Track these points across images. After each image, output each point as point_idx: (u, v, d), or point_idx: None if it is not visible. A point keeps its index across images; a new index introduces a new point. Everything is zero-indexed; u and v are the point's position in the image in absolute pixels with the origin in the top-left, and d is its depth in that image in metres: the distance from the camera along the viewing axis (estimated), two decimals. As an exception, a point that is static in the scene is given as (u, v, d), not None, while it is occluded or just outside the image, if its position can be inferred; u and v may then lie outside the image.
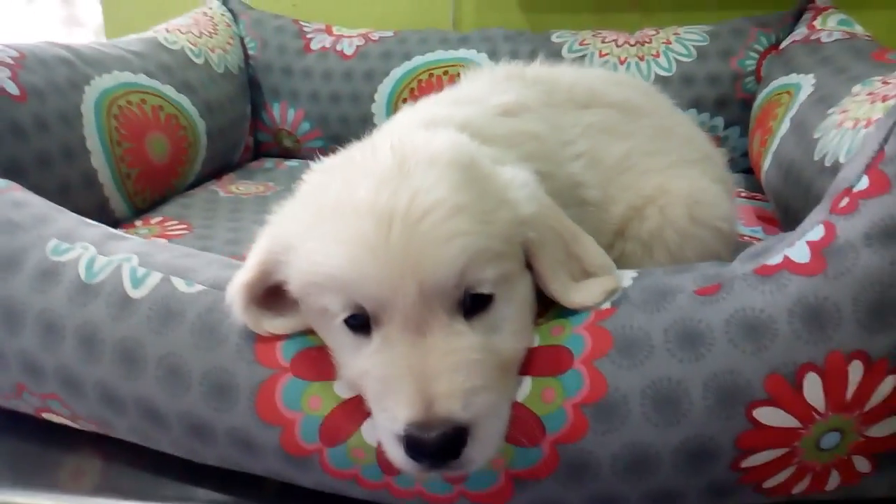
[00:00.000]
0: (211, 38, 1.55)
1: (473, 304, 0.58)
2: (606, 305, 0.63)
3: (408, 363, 0.55)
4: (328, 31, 1.69)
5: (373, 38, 1.64)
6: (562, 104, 0.83)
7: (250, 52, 1.67)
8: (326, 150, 1.76)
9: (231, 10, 1.70)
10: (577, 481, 0.59)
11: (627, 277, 0.66)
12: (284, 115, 1.67)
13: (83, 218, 0.80)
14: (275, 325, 0.65)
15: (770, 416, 0.57)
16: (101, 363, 0.68)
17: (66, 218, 0.79)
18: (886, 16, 1.59)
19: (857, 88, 0.95)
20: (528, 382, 0.60)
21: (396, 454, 0.55)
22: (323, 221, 0.58)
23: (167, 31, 1.48)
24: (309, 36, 1.67)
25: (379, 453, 0.60)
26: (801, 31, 1.36)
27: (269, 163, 1.67)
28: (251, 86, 1.67)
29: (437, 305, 0.56)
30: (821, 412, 0.57)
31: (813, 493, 0.62)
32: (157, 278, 0.69)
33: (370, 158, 0.61)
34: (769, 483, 0.60)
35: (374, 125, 1.59)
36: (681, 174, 0.84)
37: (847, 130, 0.82)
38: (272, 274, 0.63)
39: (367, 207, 0.56)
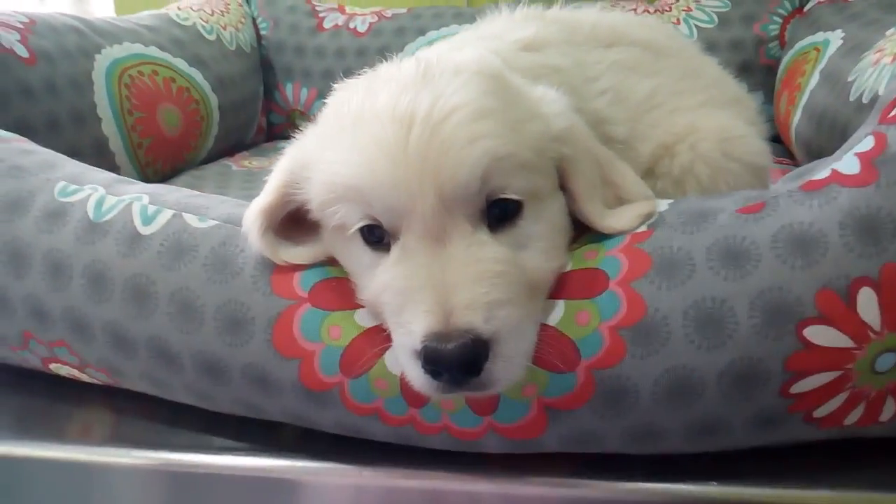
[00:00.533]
0: (223, 16, 1.54)
1: (499, 215, 0.55)
2: (643, 228, 0.59)
3: (427, 273, 0.52)
4: (341, 10, 1.67)
5: (386, 15, 1.62)
6: (584, 42, 0.80)
7: (262, 32, 1.65)
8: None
9: (243, -9, 1.68)
10: (614, 410, 0.56)
11: (663, 204, 0.62)
12: (297, 94, 1.65)
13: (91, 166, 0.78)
14: (293, 253, 0.62)
15: (822, 335, 0.53)
16: (111, 302, 0.65)
17: (74, 164, 0.76)
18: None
19: (891, 31, 0.92)
20: (560, 306, 0.56)
21: (414, 373, 0.52)
22: (343, 131, 0.56)
23: (179, 8, 1.47)
24: (322, 14, 1.65)
25: (403, 383, 0.57)
26: (828, -10, 1.32)
27: (282, 143, 1.64)
28: (263, 66, 1.65)
29: (458, 213, 0.53)
30: (876, 330, 0.53)
31: (866, 426, 0.58)
32: (168, 215, 0.67)
33: (394, 69, 0.58)
34: (820, 412, 0.56)
35: (388, 103, 1.59)
36: (711, 114, 0.80)
37: (885, 66, 0.79)
38: (292, 196, 0.60)
39: (387, 112, 0.53)
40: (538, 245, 0.57)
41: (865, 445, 0.60)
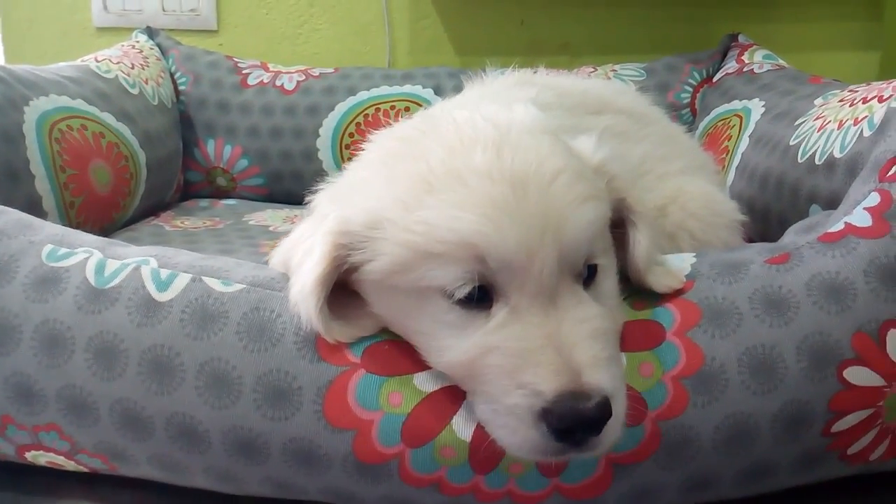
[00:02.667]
0: (143, 69, 1.46)
1: (587, 276, 0.56)
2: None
3: (545, 333, 0.52)
4: (264, 66, 1.63)
5: (313, 74, 1.60)
6: (574, 108, 0.83)
7: (181, 87, 1.58)
8: (266, 188, 1.68)
9: (158, 45, 1.61)
10: (676, 461, 0.57)
11: (689, 257, 0.65)
12: (220, 151, 1.58)
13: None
14: (348, 331, 0.58)
15: (858, 375, 0.57)
16: (124, 377, 0.58)
17: (51, 225, 0.69)
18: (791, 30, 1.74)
19: (819, 101, 1.03)
20: (622, 359, 0.57)
21: (529, 435, 0.50)
22: (433, 190, 0.54)
23: (97, 60, 1.38)
24: (245, 71, 1.61)
25: (473, 449, 0.55)
26: (731, 65, 1.47)
27: (203, 202, 1.56)
28: (182, 122, 1.57)
29: (567, 272, 0.54)
30: (903, 369, 0.58)
31: (887, 460, 0.62)
32: (185, 279, 0.61)
33: (461, 126, 0.57)
34: (853, 449, 0.60)
35: (318, 160, 1.56)
36: (692, 180, 0.86)
37: (833, 131, 0.88)
38: (344, 262, 0.57)
39: (493, 171, 0.53)
40: (612, 301, 0.58)
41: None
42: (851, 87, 0.99)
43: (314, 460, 0.57)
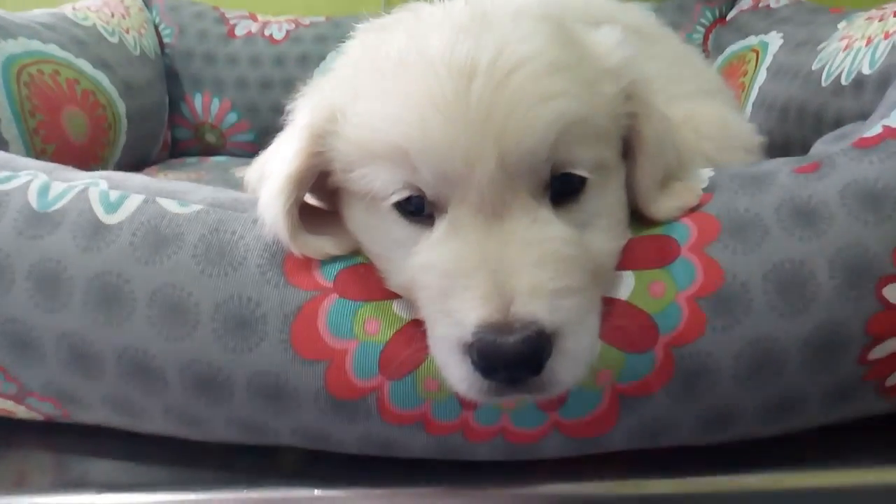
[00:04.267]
0: (124, 19, 1.39)
1: (561, 190, 0.48)
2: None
3: (482, 253, 0.44)
4: (252, 17, 1.56)
5: (304, 23, 1.53)
6: (578, 20, 0.75)
7: (165, 41, 1.51)
8: (256, 144, 1.62)
9: (142, -4, 1.54)
10: (691, 393, 0.50)
11: (707, 171, 0.58)
12: (207, 106, 1.51)
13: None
14: (319, 244, 0.52)
15: (900, 294, 0.50)
16: (69, 308, 0.52)
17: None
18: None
19: (842, 24, 0.95)
20: (630, 278, 0.50)
21: (460, 371, 0.44)
22: (383, 78, 0.48)
23: (74, 8, 1.30)
24: (232, 22, 1.53)
25: (460, 380, 0.48)
26: (746, 2, 1.38)
27: (191, 159, 1.50)
28: (168, 76, 1.50)
29: (520, 184, 0.46)
30: (950, 286, 0.50)
31: (930, 393, 0.55)
32: (137, 200, 0.55)
33: (440, 12, 0.50)
34: (891, 380, 0.53)
35: (311, 114, 1.49)
36: (705, 102, 0.78)
37: (861, 48, 0.80)
38: (321, 157, 0.51)
39: (441, 59, 0.46)
40: (602, 223, 0.50)
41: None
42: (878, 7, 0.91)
43: (283, 396, 0.50)
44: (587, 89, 0.48)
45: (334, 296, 0.50)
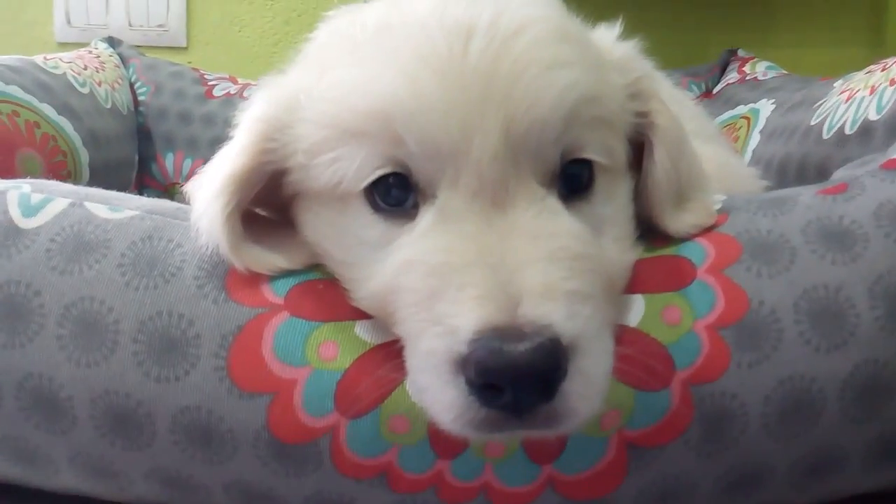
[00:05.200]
0: (97, 72, 1.34)
1: (570, 187, 0.41)
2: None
3: (479, 247, 0.36)
4: (232, 80, 1.52)
5: (285, 87, 1.49)
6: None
7: (140, 98, 1.46)
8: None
9: (119, 54, 1.50)
10: (714, 443, 0.41)
11: (718, 196, 0.51)
12: (179, 166, 1.45)
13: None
14: (266, 259, 0.43)
15: (952, 329, 0.43)
16: (-38, 326, 0.43)
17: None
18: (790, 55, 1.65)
19: (839, 83, 0.92)
20: (639, 302, 0.43)
21: (448, 396, 0.35)
22: (358, 47, 0.41)
23: (45, 59, 1.25)
24: (211, 83, 1.50)
25: (433, 423, 0.39)
26: (732, 77, 1.37)
27: (159, 220, 1.42)
28: (140, 135, 1.45)
29: (527, 167, 0.39)
30: None
31: None
32: (62, 204, 0.47)
33: None
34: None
35: (287, 176, 1.43)
36: (703, 146, 0.73)
37: (864, 97, 0.77)
38: (272, 156, 0.43)
39: (432, 19, 0.39)
40: (612, 231, 0.43)
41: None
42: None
43: (215, 439, 0.41)
44: (596, 68, 0.42)
45: (284, 314, 0.42)
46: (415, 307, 0.37)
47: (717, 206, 0.48)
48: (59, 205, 0.46)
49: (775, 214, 0.46)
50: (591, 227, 0.41)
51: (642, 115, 0.46)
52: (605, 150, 0.42)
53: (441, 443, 0.40)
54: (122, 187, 1.33)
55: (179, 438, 0.41)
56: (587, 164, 0.41)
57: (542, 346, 0.33)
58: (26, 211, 0.46)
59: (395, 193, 0.40)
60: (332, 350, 0.41)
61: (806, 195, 0.48)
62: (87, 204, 0.47)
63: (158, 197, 1.51)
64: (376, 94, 0.38)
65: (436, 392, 0.36)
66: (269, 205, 0.48)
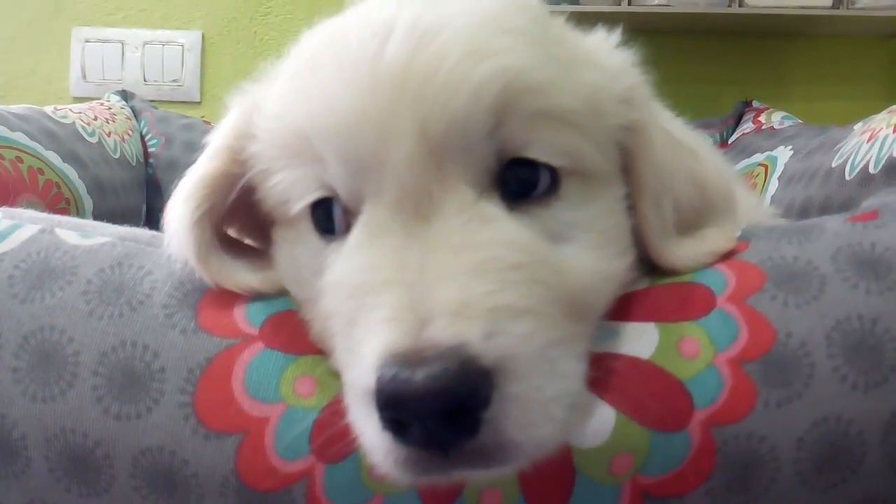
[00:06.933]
0: (108, 123, 1.35)
1: (520, 188, 0.37)
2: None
3: (400, 261, 0.33)
4: (244, 132, 1.53)
5: (295, 139, 1.49)
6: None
7: (151, 150, 1.46)
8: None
9: (132, 107, 1.51)
10: (741, 494, 0.36)
11: (737, 227, 0.47)
12: (187, 217, 1.44)
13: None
14: (241, 275, 0.40)
15: None
16: (-88, 358, 0.39)
17: None
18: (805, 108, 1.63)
19: (858, 125, 0.89)
20: (652, 331, 0.38)
21: (371, 433, 0.31)
22: (297, 62, 0.39)
23: (55, 108, 1.26)
24: (222, 135, 1.50)
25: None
26: (747, 126, 1.35)
27: (164, 272, 1.40)
28: (149, 186, 1.44)
29: (452, 169, 0.35)
30: None
31: None
32: (31, 230, 0.44)
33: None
34: None
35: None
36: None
37: (888, 135, 0.73)
38: (243, 165, 0.41)
39: (355, 25, 0.37)
40: (585, 237, 0.38)
41: None
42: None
43: (178, 485, 0.37)
44: (546, 59, 0.38)
45: (258, 345, 0.38)
46: (339, 334, 0.34)
47: (737, 234, 0.44)
48: (27, 231, 0.44)
49: (801, 241, 0.42)
50: (554, 233, 0.37)
51: (630, 129, 0.41)
52: (566, 152, 0.37)
53: (430, 491, 0.35)
54: (127, 237, 1.32)
55: (140, 484, 0.37)
56: (537, 167, 0.37)
57: (445, 371, 0.29)
58: (-7, 236, 0.43)
59: (330, 215, 0.37)
60: (308, 386, 0.37)
61: (833, 222, 0.44)
62: (58, 230, 0.44)
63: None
64: (296, 112, 0.37)
65: (362, 430, 0.32)
66: (251, 231, 0.45)
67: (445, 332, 0.30)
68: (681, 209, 0.43)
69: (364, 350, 0.31)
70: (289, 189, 0.38)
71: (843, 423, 0.37)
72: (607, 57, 0.42)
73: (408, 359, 0.29)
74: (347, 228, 0.36)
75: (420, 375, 0.29)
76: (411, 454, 0.30)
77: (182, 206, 0.40)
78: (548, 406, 0.31)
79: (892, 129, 0.74)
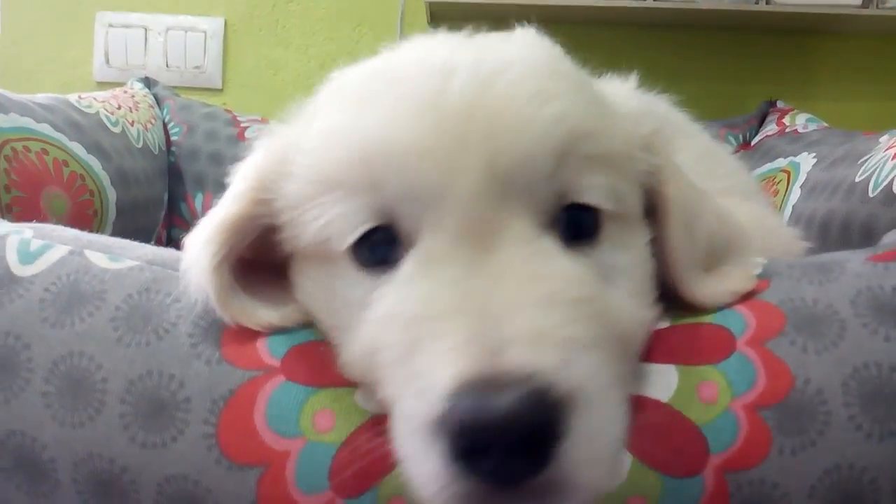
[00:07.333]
0: (131, 112, 1.36)
1: (573, 233, 0.38)
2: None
3: (462, 293, 0.33)
4: (264, 121, 1.53)
5: (316, 130, 1.50)
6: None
7: (173, 138, 1.48)
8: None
9: (155, 95, 1.52)
10: (753, 541, 0.37)
11: (756, 263, 0.47)
12: (208, 206, 1.44)
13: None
14: (255, 313, 0.41)
15: None
16: (-53, 378, 0.41)
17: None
18: (832, 108, 1.61)
19: (884, 138, 0.88)
20: (671, 374, 0.39)
21: (426, 466, 0.30)
22: (344, 96, 0.40)
23: (80, 97, 1.27)
24: (244, 125, 1.51)
25: (437, 499, 0.35)
26: (771, 128, 1.33)
27: (185, 260, 1.42)
28: (171, 174, 1.46)
29: (517, 206, 0.35)
30: None
31: None
32: (62, 251, 0.45)
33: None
34: None
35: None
36: (741, 203, 0.69)
37: (913, 152, 0.72)
38: (268, 207, 0.41)
39: (414, 63, 0.38)
40: (624, 283, 0.39)
41: None
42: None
43: (200, 513, 0.38)
44: (592, 105, 0.39)
45: (280, 378, 0.39)
46: (394, 365, 0.33)
47: (757, 271, 0.44)
48: (57, 252, 0.45)
49: (821, 282, 0.42)
50: (599, 276, 0.38)
51: (653, 173, 0.42)
52: (612, 195, 0.38)
53: (446, 527, 0.36)
54: (149, 226, 1.34)
55: (164, 509, 0.38)
56: (590, 211, 0.38)
57: (528, 395, 0.29)
58: (24, 258, 0.44)
59: (381, 249, 0.37)
60: (328, 420, 0.37)
61: (854, 262, 0.44)
62: (87, 252, 0.45)
63: (185, 235, 1.50)
64: (354, 140, 0.37)
65: (416, 462, 0.32)
66: (268, 261, 0.46)
67: (521, 359, 0.30)
68: (709, 246, 0.44)
69: (431, 379, 0.31)
70: (332, 220, 0.38)
71: (856, 471, 0.37)
72: (628, 103, 0.43)
73: (485, 386, 0.29)
74: (396, 260, 0.37)
75: (501, 402, 0.28)
76: (473, 488, 0.30)
77: (202, 249, 0.40)
78: (608, 446, 0.32)
79: (919, 147, 0.74)
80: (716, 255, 0.44)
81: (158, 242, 1.41)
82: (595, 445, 0.31)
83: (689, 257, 0.42)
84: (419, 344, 0.32)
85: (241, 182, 0.42)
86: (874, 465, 0.37)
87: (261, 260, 0.44)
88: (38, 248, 0.45)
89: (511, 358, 0.30)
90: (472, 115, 0.35)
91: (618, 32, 1.59)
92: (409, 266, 0.36)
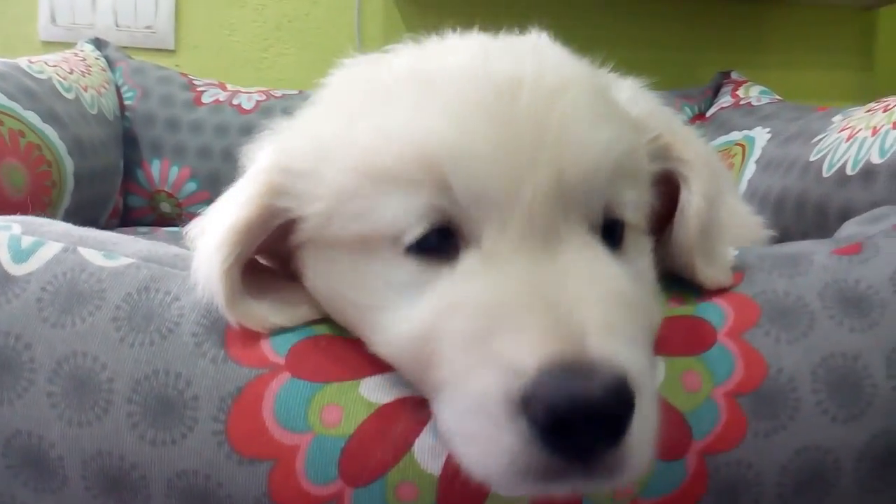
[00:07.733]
0: (84, 76, 1.31)
1: (607, 239, 0.41)
2: (725, 274, 0.47)
3: (532, 285, 0.35)
4: (221, 86, 1.50)
5: (275, 95, 1.47)
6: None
7: (127, 103, 1.43)
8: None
9: (106, 57, 1.47)
10: (728, 516, 0.40)
11: (728, 252, 0.50)
12: (165, 173, 1.42)
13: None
14: (261, 314, 0.42)
15: (970, 400, 0.42)
16: (-54, 379, 0.41)
17: None
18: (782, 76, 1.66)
19: (838, 118, 0.92)
20: (659, 364, 0.41)
21: (506, 444, 0.32)
22: (392, 94, 0.40)
23: (30, 62, 1.22)
24: (200, 89, 1.47)
25: (443, 489, 0.38)
26: (726, 100, 1.37)
27: (143, 228, 1.39)
28: (126, 140, 1.42)
29: (576, 216, 0.38)
30: None
31: None
32: (54, 248, 0.45)
33: (443, 41, 0.45)
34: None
35: (275, 187, 1.41)
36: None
37: (867, 138, 0.76)
38: (281, 207, 0.42)
39: (479, 70, 0.39)
40: (645, 286, 0.43)
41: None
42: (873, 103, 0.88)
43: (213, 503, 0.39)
44: (628, 125, 0.43)
45: (285, 375, 0.40)
46: (461, 350, 0.35)
47: (731, 262, 0.47)
48: (50, 249, 0.44)
49: (791, 275, 0.45)
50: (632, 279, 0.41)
51: (666, 174, 0.46)
52: (637, 209, 0.42)
53: (451, 510, 0.38)
54: (107, 195, 1.31)
55: (176, 503, 0.39)
56: (619, 223, 0.41)
57: (616, 381, 0.32)
58: (17, 256, 0.44)
59: (430, 238, 0.39)
60: (335, 414, 0.39)
61: (820, 255, 0.47)
62: (81, 249, 0.45)
63: (142, 203, 1.46)
64: (423, 137, 0.38)
65: (486, 439, 0.33)
66: (270, 255, 0.47)
67: (604, 348, 0.33)
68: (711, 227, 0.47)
69: (517, 360, 0.32)
70: (381, 215, 0.39)
71: (821, 452, 0.41)
72: (631, 111, 0.45)
73: (578, 368, 0.32)
74: (452, 249, 0.38)
75: (594, 384, 0.31)
76: (552, 462, 0.32)
77: (213, 254, 0.41)
78: (653, 431, 0.35)
79: (870, 131, 0.78)
80: (713, 240, 0.47)
81: (115, 211, 1.38)
82: (647, 430, 0.34)
83: (702, 248, 0.45)
84: (496, 330, 0.34)
85: (253, 186, 0.43)
86: (837, 446, 0.41)
87: (259, 252, 0.45)
88: (29, 245, 0.45)
89: (594, 346, 0.33)
90: (543, 128, 0.38)
91: (572, -1, 1.60)
92: (471, 260, 0.38)
